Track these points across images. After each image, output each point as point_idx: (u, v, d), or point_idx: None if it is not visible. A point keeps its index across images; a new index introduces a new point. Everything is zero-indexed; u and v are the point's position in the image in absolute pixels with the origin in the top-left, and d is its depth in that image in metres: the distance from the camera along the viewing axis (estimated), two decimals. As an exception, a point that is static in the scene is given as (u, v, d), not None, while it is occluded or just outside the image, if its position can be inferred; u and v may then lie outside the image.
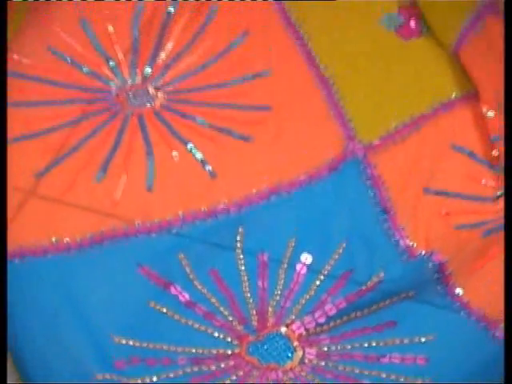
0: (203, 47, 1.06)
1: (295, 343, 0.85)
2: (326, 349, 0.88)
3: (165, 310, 0.82)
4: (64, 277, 0.85)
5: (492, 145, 0.99)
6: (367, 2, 1.14)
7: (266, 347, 0.86)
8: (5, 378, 0.90)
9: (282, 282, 0.84)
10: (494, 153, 0.97)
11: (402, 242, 0.87)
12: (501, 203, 0.95)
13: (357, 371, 0.88)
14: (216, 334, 0.82)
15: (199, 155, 0.96)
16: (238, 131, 0.98)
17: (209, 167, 0.95)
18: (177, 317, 0.83)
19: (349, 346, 0.87)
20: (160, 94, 1.01)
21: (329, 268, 0.85)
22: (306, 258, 0.86)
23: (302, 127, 1.01)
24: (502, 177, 0.96)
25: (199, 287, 0.82)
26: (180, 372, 0.88)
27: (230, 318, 0.83)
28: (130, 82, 1.03)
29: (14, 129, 0.99)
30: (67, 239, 0.85)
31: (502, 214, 0.94)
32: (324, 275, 0.84)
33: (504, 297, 0.88)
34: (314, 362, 0.88)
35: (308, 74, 1.05)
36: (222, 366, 0.87)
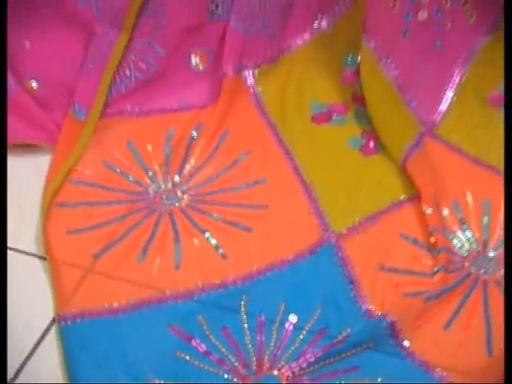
0: (217, 162, 1.13)
1: (284, 383, 0.91)
2: None
3: (188, 358, 0.87)
4: (114, 332, 0.90)
5: (430, 234, 1.02)
6: (338, 128, 1.19)
7: (262, 385, 0.94)
8: (5, 378, 0.87)
9: (275, 336, 0.89)
10: (432, 240, 1.01)
11: (364, 306, 0.92)
12: (437, 277, 0.96)
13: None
14: (226, 376, 0.88)
15: (214, 242, 1.01)
16: (242, 224, 1.03)
17: (221, 250, 0.99)
18: (197, 363, 0.88)
19: None
20: (185, 196, 1.06)
21: (309, 326, 0.90)
22: (293, 318, 0.91)
23: (290, 221, 1.06)
24: (437, 257, 0.97)
25: (213, 340, 0.88)
26: None
27: (236, 364, 0.88)
28: (163, 187, 1.08)
29: (77, 222, 1.04)
30: (116, 304, 0.90)
31: (438, 285, 0.95)
32: (306, 331, 0.89)
33: (504, 297, 0.91)
34: None
35: (294, 180, 1.11)
36: None
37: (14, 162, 1.16)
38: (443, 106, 1.20)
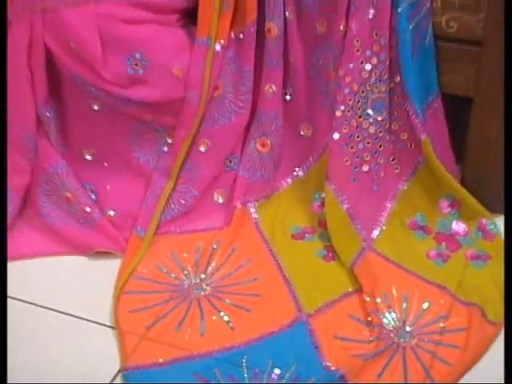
0: (229, 266, 1.19)
1: None
2: None
3: (206, 395, 0.99)
4: (158, 378, 0.99)
5: (368, 315, 1.07)
6: (309, 243, 1.23)
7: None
8: (5, 378, 0.78)
9: (265, 383, 0.98)
10: (369, 319, 1.04)
11: (324, 363, 0.99)
12: (372, 344, 1.00)
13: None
14: None
15: (226, 318, 1.07)
16: (245, 307, 1.09)
17: (230, 324, 1.05)
18: (212, 399, 0.99)
19: None
20: (208, 288, 1.13)
21: (288, 376, 0.98)
22: (277, 371, 0.98)
23: (275, 304, 1.11)
24: (372, 331, 1.02)
25: (223, 385, 0.99)
26: None
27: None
28: (193, 281, 1.15)
29: (137, 304, 1.10)
30: (160, 360, 0.99)
31: (373, 349, 0.99)
32: (285, 379, 0.97)
33: (504, 298, 0.93)
34: None
35: (279, 277, 1.16)
36: None
37: (97, 263, 1.22)
38: (378, 229, 1.24)
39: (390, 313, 1.06)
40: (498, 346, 1.02)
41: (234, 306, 1.10)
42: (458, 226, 1.23)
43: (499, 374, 0.93)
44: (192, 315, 1.08)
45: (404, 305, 1.07)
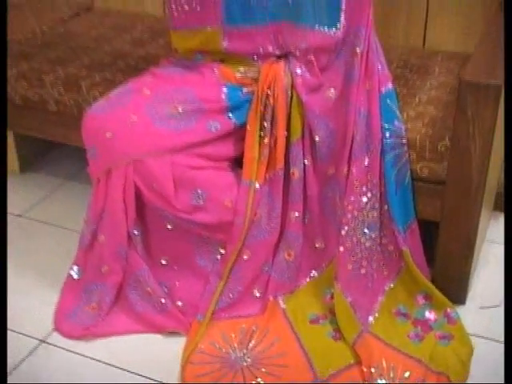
0: (264, 343, 1.28)
1: None
2: None
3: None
4: None
5: (365, 380, 1.18)
6: (322, 327, 1.31)
7: None
8: (5, 378, 0.73)
9: None
10: None
11: None
12: None
13: None
14: None
15: (262, 382, 1.21)
16: (276, 374, 1.21)
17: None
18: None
19: None
20: (249, 360, 1.25)
21: None
22: None
23: (297, 372, 1.21)
24: None
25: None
26: None
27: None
28: (238, 354, 1.27)
29: (196, 372, 1.22)
30: None
31: None
32: None
33: (504, 297, 0.98)
34: None
35: (300, 352, 1.26)
36: None
37: (171, 340, 1.34)
38: (372, 316, 1.33)
39: (381, 380, 1.20)
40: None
41: (268, 373, 1.22)
42: (430, 314, 1.35)
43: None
44: (237, 380, 1.21)
45: (391, 374, 1.21)
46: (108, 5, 2.18)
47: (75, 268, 1.42)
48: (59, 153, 2.01)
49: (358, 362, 1.24)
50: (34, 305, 1.44)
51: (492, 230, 1.67)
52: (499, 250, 1.58)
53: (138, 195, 1.32)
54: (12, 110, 1.73)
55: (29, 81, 1.68)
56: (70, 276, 1.42)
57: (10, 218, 1.72)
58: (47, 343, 1.35)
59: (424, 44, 1.78)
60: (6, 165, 1.19)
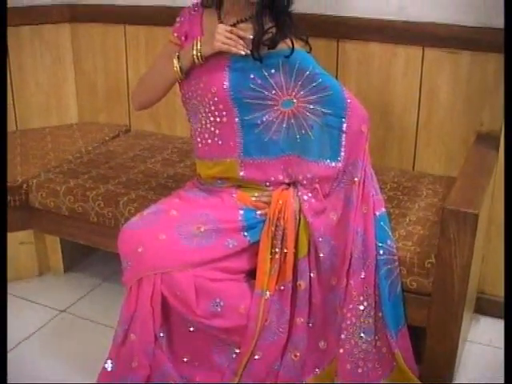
0: None
1: None
2: None
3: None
4: None
5: None
6: None
7: None
8: (5, 378, 0.72)
9: None
10: None
11: None
12: None
13: None
14: None
15: None
16: None
17: None
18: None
19: None
20: None
21: None
22: None
23: None
24: None
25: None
26: None
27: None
28: None
29: None
30: None
31: None
32: None
33: (504, 296, 1.03)
34: None
35: None
36: None
37: None
38: None
39: None
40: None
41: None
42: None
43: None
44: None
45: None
46: (144, 128, 2.47)
47: (109, 361, 1.54)
48: (98, 256, 2.23)
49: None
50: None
51: (473, 332, 1.79)
52: (480, 350, 1.70)
53: (165, 302, 1.47)
54: (59, 219, 2.00)
55: (75, 196, 1.94)
56: (105, 368, 1.54)
57: (54, 313, 1.93)
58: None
59: (413, 167, 2.02)
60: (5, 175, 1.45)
